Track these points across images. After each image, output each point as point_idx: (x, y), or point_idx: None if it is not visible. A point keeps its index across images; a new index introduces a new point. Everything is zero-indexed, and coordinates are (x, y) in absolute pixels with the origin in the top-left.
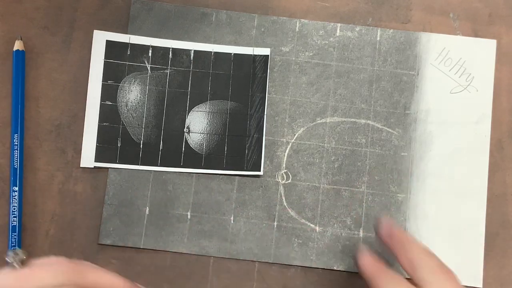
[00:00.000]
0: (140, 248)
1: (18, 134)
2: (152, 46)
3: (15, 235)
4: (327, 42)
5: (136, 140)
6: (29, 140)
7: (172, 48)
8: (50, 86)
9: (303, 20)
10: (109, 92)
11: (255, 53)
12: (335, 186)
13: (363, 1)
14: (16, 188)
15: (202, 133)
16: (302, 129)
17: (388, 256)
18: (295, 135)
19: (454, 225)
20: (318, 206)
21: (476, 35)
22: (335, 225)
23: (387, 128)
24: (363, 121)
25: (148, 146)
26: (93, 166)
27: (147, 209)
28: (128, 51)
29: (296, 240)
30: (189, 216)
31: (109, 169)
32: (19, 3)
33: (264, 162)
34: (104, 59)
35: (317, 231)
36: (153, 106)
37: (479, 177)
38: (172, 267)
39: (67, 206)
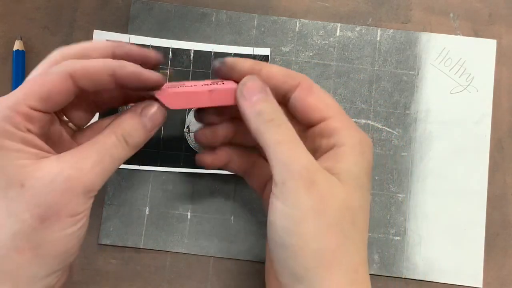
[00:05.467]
0: (140, 248)
1: None
2: (152, 46)
3: None
4: (327, 42)
5: None
6: None
7: (172, 48)
8: None
9: (303, 20)
10: None
11: (255, 53)
12: None
13: (363, 1)
14: None
15: None
16: None
17: None
18: None
19: (454, 225)
20: None
21: (476, 35)
22: None
23: (387, 128)
24: (363, 121)
25: (148, 146)
26: None
27: (147, 209)
28: None
29: None
30: (189, 216)
31: None
32: (19, 3)
33: None
34: None
35: None
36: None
37: (479, 177)
38: (172, 267)
39: None
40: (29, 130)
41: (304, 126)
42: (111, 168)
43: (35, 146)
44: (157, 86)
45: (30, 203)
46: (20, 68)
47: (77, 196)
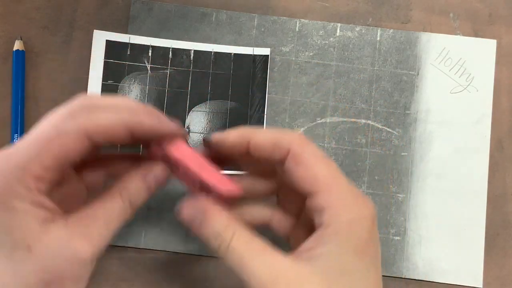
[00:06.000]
0: (140, 248)
1: (18, 134)
2: (152, 46)
3: None
4: (327, 42)
5: None
6: None
7: (172, 48)
8: (50, 86)
9: (303, 20)
10: (109, 92)
11: (255, 53)
12: None
13: (363, 1)
14: None
15: (202, 133)
16: (302, 129)
17: None
18: None
19: (454, 225)
20: None
21: (476, 35)
22: None
23: (387, 128)
24: (363, 121)
25: (148, 146)
26: None
27: (147, 209)
28: (128, 51)
29: None
30: None
31: None
32: (19, 3)
33: None
34: (104, 59)
35: None
36: (153, 106)
37: (479, 177)
38: (172, 267)
39: None
40: (39, 191)
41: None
42: (115, 230)
43: (44, 207)
44: (174, 137)
45: (37, 268)
46: (20, 68)
47: (84, 263)
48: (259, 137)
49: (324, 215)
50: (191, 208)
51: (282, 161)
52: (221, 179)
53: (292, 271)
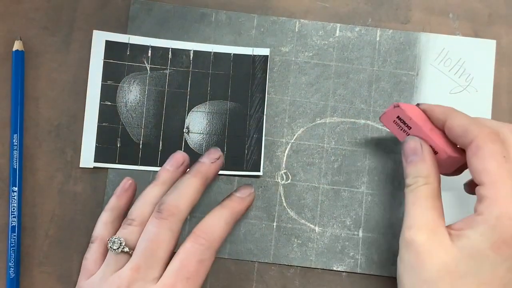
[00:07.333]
0: None
1: (17, 134)
2: (152, 46)
3: (15, 235)
4: (326, 42)
5: (135, 140)
6: (29, 140)
7: (172, 48)
8: (50, 86)
9: (302, 20)
10: (109, 92)
11: (254, 53)
12: (334, 187)
13: (362, 1)
14: (16, 188)
15: (202, 134)
16: (301, 129)
17: None
18: (294, 135)
19: None
20: (317, 207)
21: (476, 35)
22: (335, 225)
23: (387, 129)
24: (362, 121)
25: (148, 146)
26: (92, 167)
27: None
28: (128, 51)
29: (295, 240)
30: (189, 216)
31: (109, 169)
32: (19, 3)
33: (263, 163)
34: (104, 59)
35: (316, 231)
36: (153, 106)
37: None
38: None
39: (67, 206)
40: None
41: None
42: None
43: None
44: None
45: None
46: (20, 68)
47: None
48: (454, 120)
49: (482, 204)
50: (418, 144)
51: (466, 147)
52: (446, 143)
53: (430, 227)
